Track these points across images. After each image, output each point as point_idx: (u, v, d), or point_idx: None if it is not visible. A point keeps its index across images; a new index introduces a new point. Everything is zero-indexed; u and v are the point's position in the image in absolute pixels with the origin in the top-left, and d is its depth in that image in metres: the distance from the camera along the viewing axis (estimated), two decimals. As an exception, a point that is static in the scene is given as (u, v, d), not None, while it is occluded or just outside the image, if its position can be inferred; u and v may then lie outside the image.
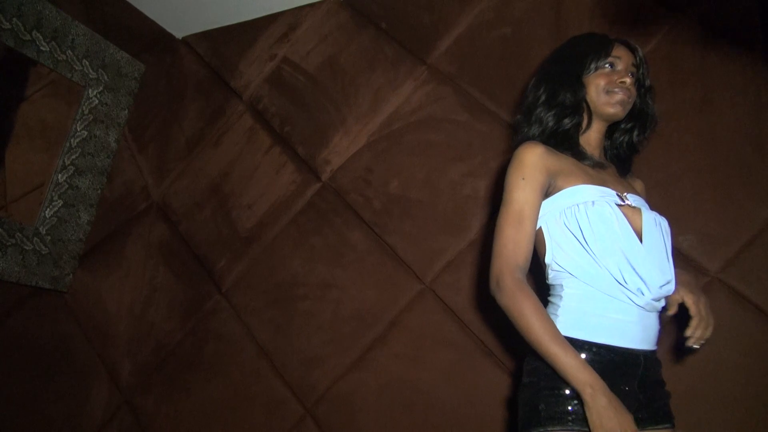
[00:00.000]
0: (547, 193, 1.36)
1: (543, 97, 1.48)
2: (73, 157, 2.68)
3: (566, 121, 1.44)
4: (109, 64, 2.77)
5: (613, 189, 1.37)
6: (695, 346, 1.32)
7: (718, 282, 1.67)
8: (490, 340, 1.91)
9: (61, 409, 2.57)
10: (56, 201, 2.64)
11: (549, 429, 1.22)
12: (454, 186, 2.11)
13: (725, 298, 1.65)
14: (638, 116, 1.52)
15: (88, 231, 2.75)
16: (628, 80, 1.42)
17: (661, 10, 1.90)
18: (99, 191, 2.79)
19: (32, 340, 2.68)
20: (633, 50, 1.48)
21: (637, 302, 1.28)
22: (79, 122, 2.69)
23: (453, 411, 1.92)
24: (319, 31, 2.56)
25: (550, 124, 1.45)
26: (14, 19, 2.38)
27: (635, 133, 1.54)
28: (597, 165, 1.43)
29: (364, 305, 2.12)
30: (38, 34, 2.48)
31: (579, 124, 1.46)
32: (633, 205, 1.36)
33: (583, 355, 1.23)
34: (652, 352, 1.33)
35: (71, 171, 2.68)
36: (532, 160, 1.35)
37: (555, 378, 1.23)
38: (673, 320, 1.47)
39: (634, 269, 1.27)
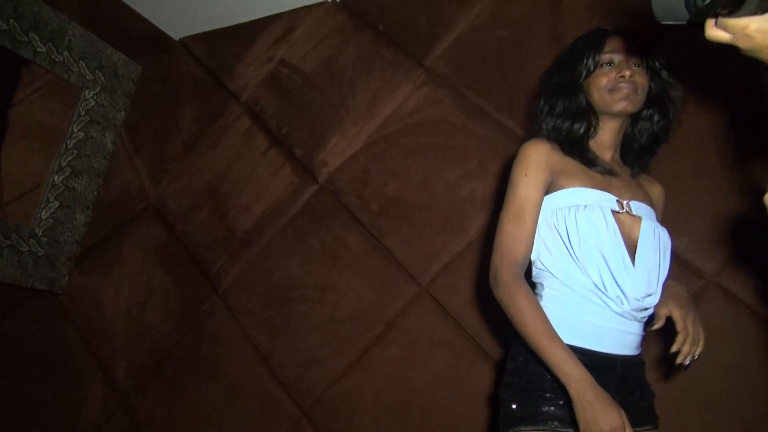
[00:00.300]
0: (547, 191, 1.36)
1: (546, 109, 1.47)
2: (70, 158, 2.68)
3: (576, 126, 1.41)
4: (106, 65, 2.77)
5: (616, 195, 1.35)
6: (684, 363, 1.27)
7: (713, 285, 1.67)
8: (487, 342, 1.91)
9: (56, 412, 2.56)
10: (52, 202, 2.63)
11: (523, 429, 1.23)
12: (451, 188, 2.11)
13: (720, 301, 1.65)
14: (656, 100, 1.44)
15: (84, 232, 2.74)
16: (627, 73, 1.36)
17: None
18: (95, 193, 2.78)
19: (28, 342, 2.67)
20: (632, 37, 1.42)
21: (615, 310, 1.28)
22: (76, 123, 2.69)
23: (450, 413, 1.91)
24: (317, 33, 2.55)
25: (557, 133, 1.44)
26: (11, 20, 2.38)
27: (656, 119, 1.45)
28: (606, 171, 1.39)
29: (361, 307, 2.12)
30: (35, 36, 2.47)
31: (587, 130, 1.42)
32: (633, 213, 1.34)
33: None
34: (633, 356, 1.32)
35: (68, 172, 2.68)
36: (536, 157, 1.35)
37: (534, 379, 1.24)
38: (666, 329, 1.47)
39: (614, 278, 1.27)
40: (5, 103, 2.52)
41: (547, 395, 1.23)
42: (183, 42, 2.90)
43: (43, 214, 2.60)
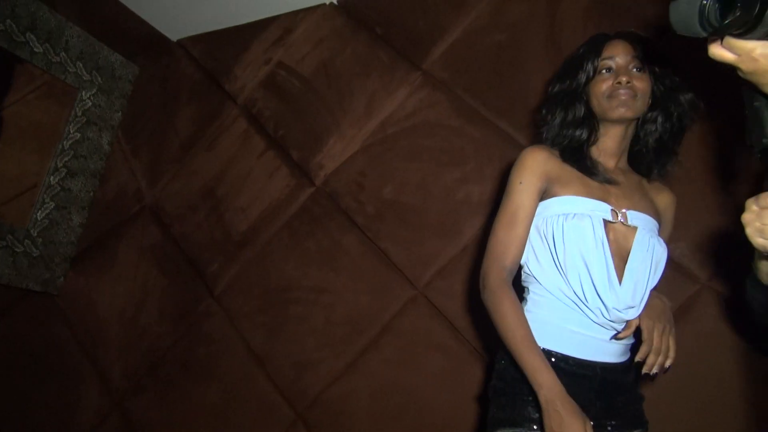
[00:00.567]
0: (542, 198, 1.37)
1: (548, 118, 1.47)
2: (66, 159, 2.67)
3: (578, 133, 1.41)
4: (103, 66, 2.77)
5: (613, 204, 1.34)
6: (650, 373, 1.27)
7: (707, 289, 1.67)
8: (482, 345, 1.91)
9: (51, 414, 2.55)
10: (48, 203, 2.63)
11: (504, 431, 1.26)
12: (448, 191, 2.11)
13: (715, 306, 1.66)
14: (661, 103, 1.41)
15: (79, 233, 2.74)
16: (624, 79, 1.35)
17: (659, 11, 1.89)
18: (91, 194, 2.78)
19: (22, 343, 2.66)
20: (633, 40, 1.40)
21: (594, 320, 1.29)
22: (72, 124, 2.69)
23: (445, 415, 1.91)
24: (315, 35, 2.56)
25: (560, 140, 1.44)
26: (8, 20, 2.37)
27: (660, 121, 1.42)
28: (606, 179, 1.38)
29: (357, 310, 2.12)
30: (32, 36, 2.47)
31: (588, 137, 1.41)
32: (629, 223, 1.34)
33: None
34: (616, 363, 1.33)
35: (63, 173, 2.67)
36: (532, 165, 1.36)
37: (515, 382, 1.26)
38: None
39: (595, 289, 1.27)
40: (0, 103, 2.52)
41: (528, 398, 1.25)
42: (181, 43, 2.90)
43: (38, 214, 2.59)
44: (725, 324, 1.63)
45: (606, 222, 1.32)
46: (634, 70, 1.38)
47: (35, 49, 2.49)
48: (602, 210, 1.33)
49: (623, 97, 1.36)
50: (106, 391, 2.49)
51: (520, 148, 1.49)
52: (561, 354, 1.28)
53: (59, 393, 2.56)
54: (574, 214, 1.30)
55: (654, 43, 1.42)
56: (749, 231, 0.90)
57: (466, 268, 2.00)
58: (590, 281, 1.27)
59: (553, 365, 1.25)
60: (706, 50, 0.85)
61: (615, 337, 1.31)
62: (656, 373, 1.28)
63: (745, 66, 0.83)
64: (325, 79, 2.47)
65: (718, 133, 1.73)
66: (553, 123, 1.45)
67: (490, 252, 1.34)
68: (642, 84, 1.38)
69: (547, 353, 1.27)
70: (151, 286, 2.55)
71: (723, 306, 1.64)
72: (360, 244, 2.19)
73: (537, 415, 1.23)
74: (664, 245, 1.36)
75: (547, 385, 1.19)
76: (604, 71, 1.40)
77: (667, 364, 1.28)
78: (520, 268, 1.38)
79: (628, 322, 1.30)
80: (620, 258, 1.31)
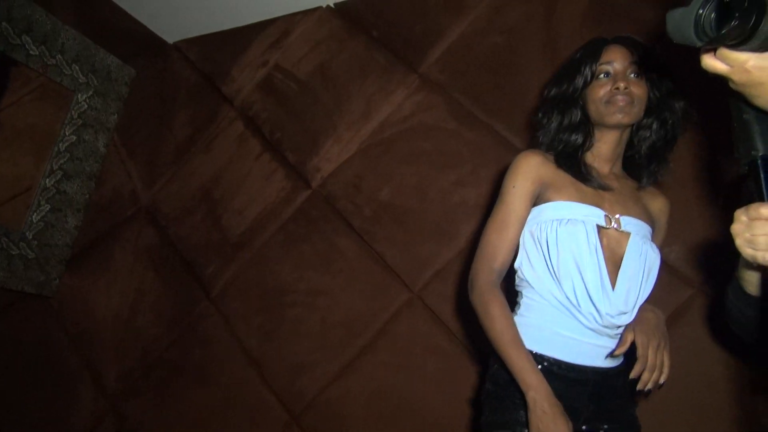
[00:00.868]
0: (536, 202, 1.37)
1: (544, 121, 1.46)
2: (62, 161, 2.67)
3: (574, 138, 1.41)
4: (99, 68, 2.76)
5: (607, 210, 1.34)
6: (645, 389, 1.27)
7: (701, 294, 1.67)
8: (478, 348, 1.91)
9: (46, 415, 2.54)
10: (43, 205, 2.62)
11: None
12: (444, 194, 2.11)
13: (709, 310, 1.66)
14: (656, 110, 1.41)
15: (75, 236, 2.73)
16: (622, 84, 1.35)
17: (656, 17, 1.89)
18: (87, 196, 2.77)
19: (18, 346, 2.65)
20: (630, 46, 1.40)
21: (587, 325, 1.29)
22: (68, 126, 2.68)
23: (441, 419, 1.91)
24: (312, 38, 2.56)
25: (556, 144, 1.44)
26: (4, 22, 2.37)
27: (654, 128, 1.42)
28: (600, 185, 1.38)
29: (353, 313, 2.12)
30: (28, 38, 2.47)
31: (584, 142, 1.41)
32: (622, 229, 1.34)
33: None
34: (609, 368, 1.33)
35: (59, 175, 2.66)
36: (526, 169, 1.37)
37: (511, 386, 1.26)
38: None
39: (588, 294, 1.27)
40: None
41: (519, 402, 1.25)
42: (177, 46, 2.90)
43: (34, 217, 2.59)
44: (717, 328, 1.63)
45: (599, 227, 1.32)
46: (632, 75, 1.38)
47: (31, 52, 2.48)
48: (596, 215, 1.33)
49: (621, 103, 1.35)
50: (102, 394, 2.49)
51: (516, 152, 1.49)
52: (554, 358, 1.29)
53: (55, 395, 2.55)
54: (568, 220, 1.31)
55: (651, 50, 1.42)
56: (739, 242, 0.90)
57: (462, 272, 2.00)
58: (583, 286, 1.28)
59: (546, 370, 1.26)
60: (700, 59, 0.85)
61: (611, 354, 1.32)
62: (650, 390, 1.28)
63: (737, 77, 0.83)
64: (322, 81, 2.47)
65: (712, 141, 1.73)
66: (549, 127, 1.45)
67: (481, 254, 1.36)
68: (639, 90, 1.37)
69: (540, 358, 1.28)
70: (146, 288, 2.54)
71: (715, 310, 1.64)
72: (356, 247, 2.19)
73: (524, 415, 1.23)
74: (657, 251, 1.36)
75: (534, 386, 1.21)
76: (601, 76, 1.39)
77: (662, 380, 1.28)
78: (514, 272, 1.38)
79: (622, 337, 1.30)
80: (613, 263, 1.31)
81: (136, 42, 2.85)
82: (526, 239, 1.36)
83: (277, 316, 2.24)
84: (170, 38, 2.91)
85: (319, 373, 2.11)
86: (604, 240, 1.32)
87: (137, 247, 2.62)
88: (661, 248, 1.41)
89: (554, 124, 1.44)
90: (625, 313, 1.30)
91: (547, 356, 1.28)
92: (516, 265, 1.37)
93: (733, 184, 1.66)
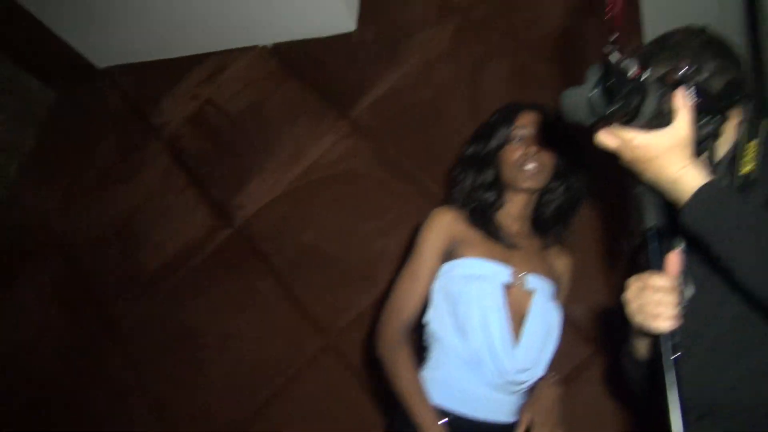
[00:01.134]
0: (447, 258, 1.39)
1: (460, 178, 1.51)
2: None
3: (487, 196, 1.46)
4: (17, 90, 2.66)
5: (514, 267, 1.38)
6: None
7: (601, 352, 1.73)
8: (386, 400, 1.89)
9: None
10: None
11: None
12: (366, 241, 2.12)
13: (607, 368, 1.71)
14: (563, 176, 1.49)
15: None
16: (534, 149, 1.41)
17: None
18: (-7, 221, 2.62)
19: None
20: (543, 113, 1.46)
21: (490, 381, 1.32)
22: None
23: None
24: (247, 76, 2.56)
25: (468, 202, 1.47)
26: None
27: (560, 192, 1.50)
28: (509, 243, 1.42)
29: (265, 358, 2.07)
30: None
31: (495, 201, 1.46)
32: (527, 287, 1.38)
33: None
34: (507, 423, 1.35)
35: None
36: (438, 226, 1.40)
37: None
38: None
39: (493, 351, 1.31)
40: None
41: None
42: (107, 71, 2.83)
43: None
44: (616, 386, 1.68)
45: (506, 285, 1.35)
46: (543, 142, 1.44)
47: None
48: (503, 273, 1.37)
49: (531, 168, 1.41)
50: (-11, 434, 2.31)
51: (439, 204, 1.52)
52: (458, 413, 1.30)
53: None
54: (477, 276, 1.34)
55: (561, 119, 1.48)
56: (629, 309, 0.94)
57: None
58: (489, 343, 1.30)
59: (451, 424, 1.28)
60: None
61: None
62: None
63: (625, 154, 0.88)
64: (253, 120, 2.47)
65: (615, 209, 1.81)
66: (465, 184, 1.50)
67: (389, 306, 1.38)
68: (549, 156, 1.44)
69: (445, 412, 1.29)
70: (49, 323, 2.40)
71: (614, 369, 1.70)
72: (274, 290, 2.15)
73: None
74: (559, 309, 1.41)
75: None
76: (515, 140, 1.45)
77: None
78: (423, 327, 1.39)
79: (520, 415, 1.34)
80: (518, 320, 1.35)
81: (62, 64, 2.76)
82: (436, 294, 1.37)
83: (186, 357, 2.16)
84: (100, 63, 2.84)
85: (224, 420, 2.03)
86: (511, 297, 1.36)
87: (42, 279, 2.48)
88: (564, 306, 1.46)
89: (469, 182, 1.49)
90: (527, 370, 1.34)
91: (451, 411, 1.30)
92: (426, 319, 1.38)
93: (632, 252, 1.74)
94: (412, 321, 1.36)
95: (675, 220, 0.91)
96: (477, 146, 1.51)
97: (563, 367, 1.50)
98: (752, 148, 0.96)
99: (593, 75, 0.80)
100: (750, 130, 0.97)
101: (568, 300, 1.55)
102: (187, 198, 2.44)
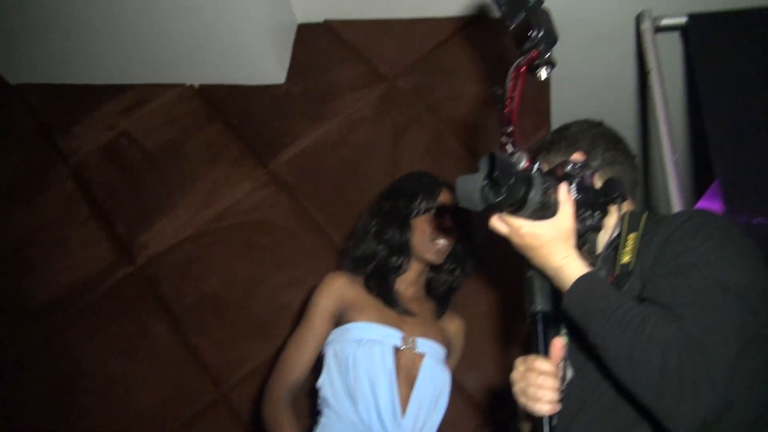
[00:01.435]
0: (339, 322, 1.42)
1: (373, 230, 1.55)
2: None
3: (393, 259, 1.50)
4: None
5: (406, 331, 1.43)
6: None
7: (489, 425, 1.78)
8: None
9: None
10: None
11: None
12: (272, 294, 2.10)
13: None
14: (460, 258, 1.59)
15: None
16: (447, 226, 1.50)
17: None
18: None
19: None
20: (453, 196, 1.57)
21: None
22: None
23: None
24: (168, 112, 2.52)
25: (377, 258, 1.51)
26: None
27: (456, 273, 1.60)
28: (404, 310, 1.47)
29: (152, 408, 1.97)
30: None
31: (399, 266, 1.51)
32: (417, 350, 1.42)
33: None
34: None
35: None
36: (330, 290, 1.44)
37: None
38: None
39: (380, 416, 1.34)
40: None
41: None
42: (20, 88, 2.70)
43: None
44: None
45: (396, 348, 1.39)
46: (452, 223, 1.53)
47: None
48: (394, 336, 1.40)
49: (441, 245, 1.50)
50: None
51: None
52: None
53: None
54: (367, 340, 1.37)
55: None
56: (514, 389, 0.98)
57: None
58: (377, 408, 1.33)
59: None
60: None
61: None
62: None
63: (515, 240, 0.95)
64: (170, 158, 2.41)
65: (511, 289, 1.89)
66: (377, 237, 1.53)
67: (277, 368, 1.40)
68: (454, 235, 1.53)
69: None
70: None
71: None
72: (170, 336, 2.07)
73: None
74: (448, 373, 1.46)
75: None
76: (431, 213, 1.52)
77: None
78: (317, 391, 1.40)
79: None
80: (408, 384, 1.39)
81: (-31, 77, 2.62)
82: (329, 359, 1.39)
83: (66, 401, 2.02)
84: (13, 79, 2.71)
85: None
86: (402, 360, 1.40)
87: None
88: (458, 372, 1.51)
89: (384, 236, 1.52)
90: None
91: None
92: (318, 384, 1.39)
93: (525, 332, 1.83)
94: (297, 386, 1.39)
95: (559, 306, 0.98)
96: (397, 202, 1.55)
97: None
98: (631, 240, 1.06)
99: (485, 165, 0.85)
100: (630, 223, 1.06)
101: (462, 367, 1.60)
102: (88, 230, 2.33)
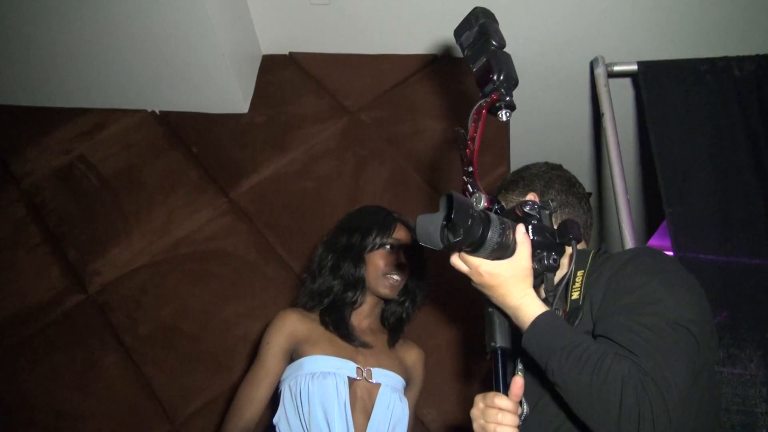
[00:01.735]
0: (293, 358, 1.42)
1: (329, 264, 1.55)
2: None
3: (349, 294, 1.51)
4: None
5: (360, 363, 1.43)
6: None
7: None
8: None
9: None
10: None
11: None
12: (228, 324, 2.07)
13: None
14: (410, 291, 1.61)
15: None
16: (402, 263, 1.52)
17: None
18: None
19: None
20: (412, 231, 1.57)
21: None
22: None
23: None
24: (127, 138, 2.48)
25: (333, 293, 1.51)
26: None
27: (406, 305, 1.61)
28: (360, 343, 1.48)
29: (99, 442, 1.90)
30: None
31: (355, 301, 1.52)
32: (372, 381, 1.43)
33: None
34: None
35: None
36: (281, 327, 1.44)
37: None
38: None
39: None
40: None
41: None
42: (-29, 107, 2.62)
43: None
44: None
45: (351, 380, 1.39)
46: (406, 258, 1.55)
47: None
48: (348, 368, 1.41)
49: (394, 281, 1.52)
50: None
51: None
52: None
53: None
54: (320, 373, 1.37)
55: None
56: (475, 426, 0.99)
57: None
58: None
59: None
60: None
61: None
62: None
63: (474, 278, 0.98)
64: (126, 184, 2.37)
65: (473, 326, 1.93)
66: (333, 272, 1.53)
67: (232, 407, 1.39)
68: (407, 271, 1.56)
69: None
70: None
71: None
72: (121, 366, 2.02)
73: None
74: (405, 402, 1.47)
75: None
76: (386, 249, 1.54)
77: None
78: (274, 427, 1.38)
79: None
80: (365, 415, 1.39)
81: None
82: (285, 394, 1.39)
83: (7, 436, 1.93)
84: (-35, 98, 2.63)
85: None
86: (358, 391, 1.40)
87: None
88: (417, 403, 1.51)
89: (340, 271, 1.52)
90: None
91: None
92: (274, 420, 1.39)
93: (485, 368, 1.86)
94: (251, 425, 1.38)
95: (518, 342, 1.00)
96: (352, 237, 1.56)
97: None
98: (579, 278, 1.10)
99: (443, 205, 0.87)
100: (578, 261, 1.11)
101: (423, 401, 1.60)
102: (39, 255, 2.26)
